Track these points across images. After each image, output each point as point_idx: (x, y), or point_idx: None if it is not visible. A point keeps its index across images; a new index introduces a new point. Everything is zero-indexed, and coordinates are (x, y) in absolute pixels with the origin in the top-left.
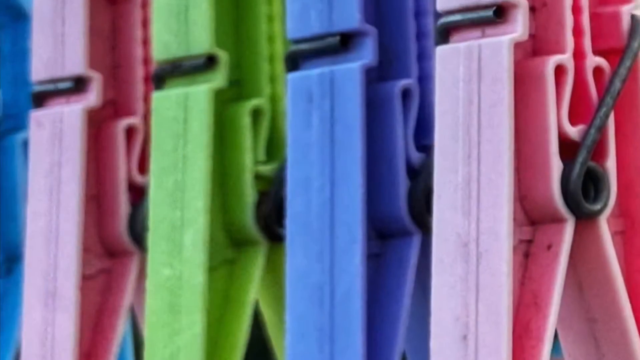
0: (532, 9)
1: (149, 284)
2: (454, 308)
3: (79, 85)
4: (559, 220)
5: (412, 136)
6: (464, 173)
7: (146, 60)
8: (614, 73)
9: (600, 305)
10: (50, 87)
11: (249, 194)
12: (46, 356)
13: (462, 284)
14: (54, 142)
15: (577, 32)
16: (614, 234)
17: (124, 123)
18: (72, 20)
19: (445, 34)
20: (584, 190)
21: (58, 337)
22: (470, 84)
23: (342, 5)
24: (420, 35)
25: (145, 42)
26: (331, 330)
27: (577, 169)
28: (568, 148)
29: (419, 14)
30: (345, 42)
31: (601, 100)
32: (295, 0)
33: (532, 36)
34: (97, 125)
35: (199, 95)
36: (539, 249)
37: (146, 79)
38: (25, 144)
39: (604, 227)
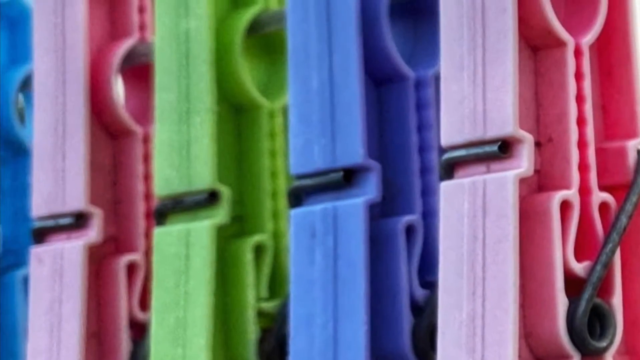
0: (538, 144)
1: None
2: None
3: (79, 221)
4: (564, 357)
5: (416, 272)
6: (469, 310)
7: (147, 196)
8: (620, 209)
9: None
10: (51, 222)
11: (252, 331)
12: None
13: None
14: (55, 278)
15: (583, 167)
16: None
17: (125, 259)
18: (72, 155)
19: (449, 170)
20: (589, 327)
21: None
22: (475, 220)
23: (345, 140)
24: (424, 171)
25: (147, 177)
26: None
27: (582, 306)
28: (573, 284)
29: (423, 149)
30: (349, 177)
31: (607, 236)
32: (298, 135)
33: (537, 171)
34: (98, 261)
35: (201, 231)
36: None
37: (147, 215)
38: (25, 280)
39: None
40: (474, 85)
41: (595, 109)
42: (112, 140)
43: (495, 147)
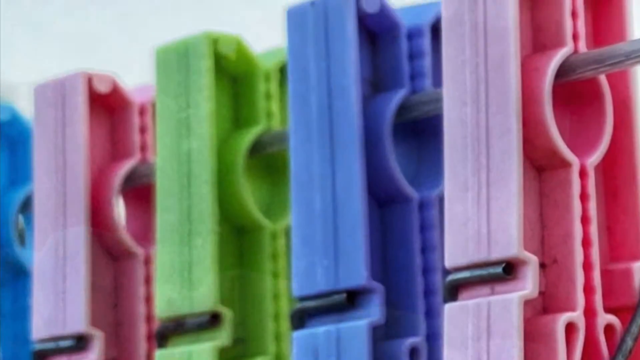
0: (542, 266)
1: None
2: None
3: (80, 343)
4: None
5: None
6: None
7: (149, 318)
8: (626, 331)
9: None
10: (51, 345)
11: None
12: None
13: None
14: None
15: (588, 289)
16: None
17: None
18: (73, 277)
19: (453, 291)
20: None
21: None
22: (479, 342)
23: (348, 262)
24: (428, 292)
25: (148, 299)
26: None
27: None
28: None
29: (426, 271)
30: (352, 299)
31: (612, 358)
32: (300, 257)
33: (542, 293)
34: None
35: (202, 354)
36: None
37: (149, 337)
38: None
39: None
40: (478, 207)
41: (601, 230)
42: (113, 261)
43: (499, 269)
